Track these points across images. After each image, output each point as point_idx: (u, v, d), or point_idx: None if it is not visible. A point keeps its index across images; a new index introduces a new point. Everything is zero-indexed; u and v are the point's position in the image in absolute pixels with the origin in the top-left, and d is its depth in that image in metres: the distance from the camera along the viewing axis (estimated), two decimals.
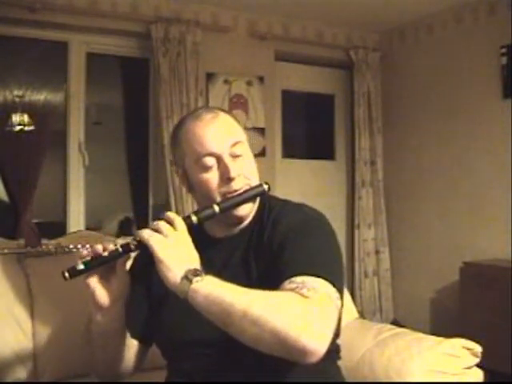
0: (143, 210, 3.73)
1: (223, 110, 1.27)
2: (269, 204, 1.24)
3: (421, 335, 1.64)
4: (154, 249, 1.02)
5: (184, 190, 3.38)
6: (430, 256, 3.97)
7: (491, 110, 3.55)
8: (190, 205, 3.41)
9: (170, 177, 3.40)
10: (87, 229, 3.31)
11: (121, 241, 1.12)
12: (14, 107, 3.32)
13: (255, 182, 1.21)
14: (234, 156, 1.19)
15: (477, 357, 1.54)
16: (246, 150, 1.22)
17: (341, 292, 1.07)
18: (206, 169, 1.18)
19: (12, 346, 1.76)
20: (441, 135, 3.90)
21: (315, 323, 0.95)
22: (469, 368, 1.53)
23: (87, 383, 1.70)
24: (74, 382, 1.78)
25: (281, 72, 4.09)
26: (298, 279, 1.02)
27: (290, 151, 4.23)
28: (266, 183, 1.19)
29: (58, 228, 3.38)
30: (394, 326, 1.80)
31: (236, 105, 3.78)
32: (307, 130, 4.58)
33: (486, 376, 1.56)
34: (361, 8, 3.77)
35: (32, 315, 1.83)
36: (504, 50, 3.43)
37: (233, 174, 1.16)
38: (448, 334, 1.68)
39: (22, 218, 3.15)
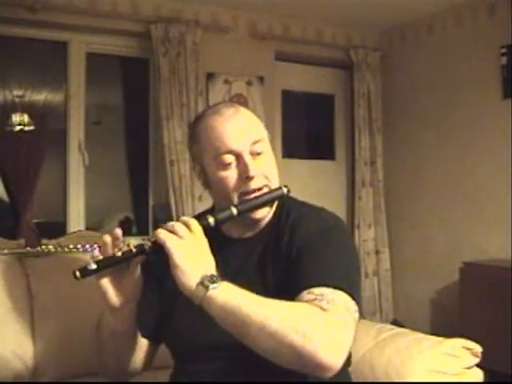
0: (143, 210, 3.73)
1: (244, 106, 1.24)
2: (287, 206, 1.21)
3: (421, 335, 1.64)
4: (172, 252, 0.98)
5: (184, 190, 3.39)
6: (430, 256, 3.96)
7: (491, 109, 3.55)
8: (190, 205, 3.41)
9: (170, 177, 3.40)
10: (87, 229, 3.31)
11: (133, 241, 1.08)
12: (14, 107, 3.31)
13: (274, 181, 1.18)
14: (255, 154, 1.15)
15: (477, 357, 1.53)
16: (266, 149, 1.19)
17: (359, 304, 1.05)
18: (225, 166, 1.14)
19: (12, 346, 1.76)
20: (441, 135, 3.90)
21: (333, 338, 0.94)
22: (469, 368, 1.53)
23: (87, 383, 1.71)
24: (74, 381, 1.79)
25: (281, 72, 4.09)
26: (317, 291, 1.00)
27: (290, 151, 4.22)
28: (286, 186, 1.16)
29: (58, 228, 3.38)
30: (393, 326, 1.80)
31: (236, 102, 3.77)
32: (307, 130, 4.58)
33: (485, 376, 1.56)
34: (361, 8, 3.77)
35: (32, 315, 1.83)
36: (504, 50, 3.43)
37: (252, 173, 1.13)
38: (448, 334, 1.68)
39: (22, 218, 3.14)
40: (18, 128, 3.30)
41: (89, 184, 3.50)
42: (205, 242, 1.04)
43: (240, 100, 3.80)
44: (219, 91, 3.74)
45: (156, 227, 1.06)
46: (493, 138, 3.54)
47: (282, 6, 3.76)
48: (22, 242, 2.56)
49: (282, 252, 1.14)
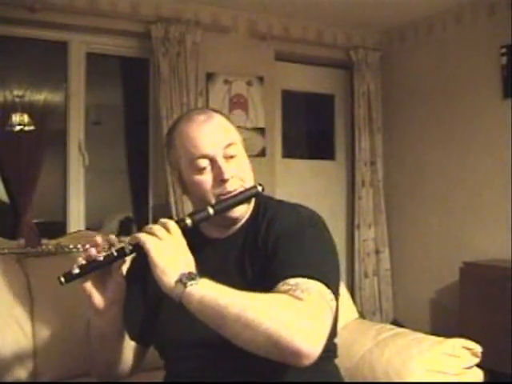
0: (143, 210, 3.73)
1: (216, 111, 1.26)
2: (264, 204, 1.25)
3: (421, 335, 1.64)
4: (151, 253, 1.02)
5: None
6: (429, 256, 3.96)
7: (491, 109, 3.55)
8: (189, 205, 3.41)
9: (170, 177, 3.40)
10: (87, 229, 3.31)
11: (115, 238, 1.11)
12: (14, 107, 3.32)
13: (250, 182, 1.21)
14: (228, 157, 1.18)
15: (477, 357, 1.53)
16: (240, 151, 1.22)
17: (335, 293, 1.07)
18: (200, 170, 1.17)
19: (12, 346, 1.76)
20: (441, 135, 3.90)
21: (308, 325, 0.95)
22: (469, 368, 1.53)
23: (87, 383, 1.70)
24: (74, 382, 1.78)
25: (281, 72, 4.09)
26: (292, 281, 1.03)
27: (290, 151, 4.23)
28: (260, 184, 1.19)
29: (58, 228, 3.38)
30: (393, 326, 1.80)
31: (236, 105, 3.78)
32: (307, 129, 4.58)
33: (485, 376, 1.56)
34: (361, 8, 3.77)
35: (32, 315, 1.83)
36: (504, 50, 3.43)
37: (226, 175, 1.16)
38: (448, 334, 1.68)
39: (22, 218, 3.15)
40: (18, 128, 3.30)
41: (89, 184, 3.50)
42: (183, 242, 1.07)
43: (240, 100, 3.80)
44: (219, 91, 3.74)
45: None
46: (493, 138, 3.54)
47: (281, 6, 3.76)
48: (22, 242, 2.56)
49: (259, 247, 1.17)
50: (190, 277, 0.99)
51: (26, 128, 3.32)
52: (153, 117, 3.69)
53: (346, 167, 4.45)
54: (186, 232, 1.09)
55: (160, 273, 1.01)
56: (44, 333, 1.81)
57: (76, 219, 3.44)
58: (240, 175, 1.19)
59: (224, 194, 1.17)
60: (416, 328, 1.91)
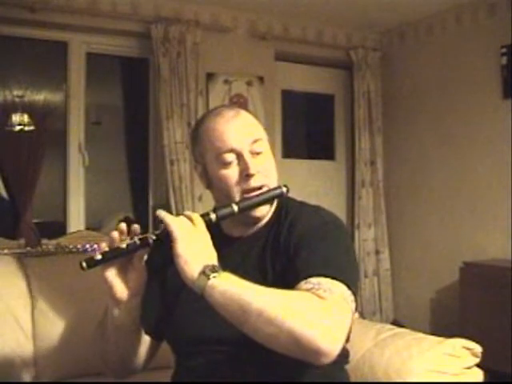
0: (143, 210, 3.73)
1: (244, 109, 1.28)
2: (286, 206, 1.25)
3: (421, 335, 1.64)
4: (177, 242, 1.02)
5: (184, 190, 3.40)
6: (429, 256, 3.96)
7: (491, 109, 3.55)
8: (190, 205, 3.41)
9: (170, 177, 3.40)
10: (87, 229, 3.31)
11: (138, 226, 1.11)
12: (14, 107, 3.32)
13: (274, 180, 1.23)
14: (254, 153, 1.20)
15: (477, 357, 1.53)
16: (265, 148, 1.23)
17: (355, 295, 1.08)
18: (226, 165, 1.18)
19: (12, 346, 1.76)
20: (441, 135, 3.90)
21: (330, 325, 0.96)
22: (469, 368, 1.53)
23: (87, 383, 1.71)
24: (74, 382, 1.79)
25: (281, 72, 4.09)
26: (314, 280, 1.03)
27: (290, 151, 4.23)
28: (285, 186, 1.20)
29: (58, 228, 3.38)
30: (393, 326, 1.80)
31: (236, 105, 3.77)
32: (307, 130, 4.58)
33: (485, 376, 1.56)
34: (361, 8, 3.77)
35: (32, 315, 1.83)
36: (504, 50, 3.43)
37: (252, 170, 1.17)
38: (448, 334, 1.68)
39: (22, 218, 3.15)
40: (17, 128, 3.30)
41: (89, 184, 3.50)
42: (207, 235, 1.07)
43: (240, 100, 3.80)
44: (219, 91, 3.74)
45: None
46: (493, 138, 3.54)
47: (281, 6, 3.76)
48: (22, 242, 2.56)
49: (281, 248, 1.17)
50: (214, 269, 0.99)
51: (26, 128, 3.32)
52: (153, 117, 3.70)
53: (346, 167, 4.45)
54: (209, 229, 1.09)
55: (183, 263, 1.01)
56: (44, 333, 1.81)
57: (76, 219, 3.44)
58: (265, 172, 1.20)
59: (249, 190, 1.18)
60: (416, 328, 1.91)
